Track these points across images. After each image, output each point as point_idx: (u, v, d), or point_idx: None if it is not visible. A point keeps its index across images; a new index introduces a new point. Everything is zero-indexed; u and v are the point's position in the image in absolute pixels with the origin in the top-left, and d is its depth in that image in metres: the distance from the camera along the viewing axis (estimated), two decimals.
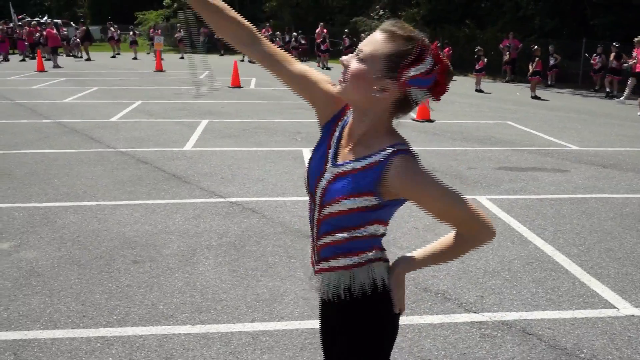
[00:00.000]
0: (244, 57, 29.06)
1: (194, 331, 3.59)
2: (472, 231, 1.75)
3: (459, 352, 3.41)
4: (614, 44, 17.06)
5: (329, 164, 1.79)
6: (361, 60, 1.68)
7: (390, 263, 1.88)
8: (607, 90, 17.54)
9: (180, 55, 30.10)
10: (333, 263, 1.83)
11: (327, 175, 1.78)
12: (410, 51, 1.63)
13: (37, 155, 8.13)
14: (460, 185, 6.82)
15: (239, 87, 16.94)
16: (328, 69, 24.90)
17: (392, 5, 27.70)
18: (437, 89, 1.70)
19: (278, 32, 28.65)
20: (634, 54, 15.25)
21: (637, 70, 15.22)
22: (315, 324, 3.69)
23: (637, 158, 8.65)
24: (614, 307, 4.00)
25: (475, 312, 3.88)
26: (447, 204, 1.70)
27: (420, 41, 1.65)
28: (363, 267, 1.81)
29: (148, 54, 32.87)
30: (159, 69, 22.26)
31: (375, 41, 1.67)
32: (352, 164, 1.74)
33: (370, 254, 1.81)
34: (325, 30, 26.10)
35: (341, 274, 1.83)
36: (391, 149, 1.69)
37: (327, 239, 1.81)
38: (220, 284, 4.24)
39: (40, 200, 6.09)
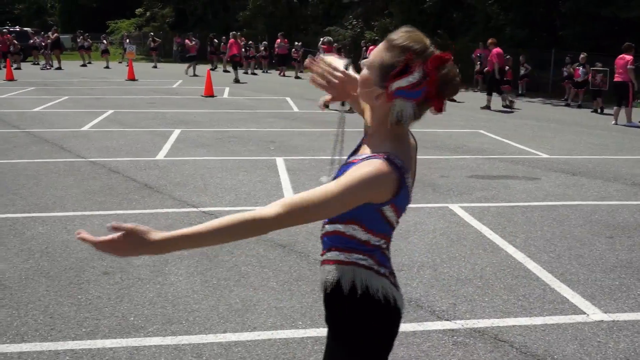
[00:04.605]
0: (216, 66, 28.99)
1: (165, 343, 3.54)
2: None
3: None
4: (582, 54, 17.26)
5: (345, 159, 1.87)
6: (367, 67, 1.72)
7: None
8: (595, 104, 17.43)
9: (153, 64, 29.88)
10: None
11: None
12: (400, 62, 1.63)
13: (5, 165, 7.98)
14: (433, 193, 6.87)
15: (212, 96, 16.86)
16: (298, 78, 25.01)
17: (365, 16, 27.87)
18: (428, 104, 1.68)
19: (251, 42, 28.60)
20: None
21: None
22: (288, 333, 3.67)
23: (605, 166, 8.80)
24: (584, 313, 4.05)
25: (447, 320, 3.89)
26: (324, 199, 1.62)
27: (410, 53, 1.63)
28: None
29: (120, 62, 32.61)
30: (131, 78, 22.07)
31: (377, 50, 1.70)
32: (352, 157, 1.81)
33: None
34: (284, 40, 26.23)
35: None
36: (368, 155, 1.69)
37: None
38: (192, 295, 4.20)
39: (7, 211, 5.97)
